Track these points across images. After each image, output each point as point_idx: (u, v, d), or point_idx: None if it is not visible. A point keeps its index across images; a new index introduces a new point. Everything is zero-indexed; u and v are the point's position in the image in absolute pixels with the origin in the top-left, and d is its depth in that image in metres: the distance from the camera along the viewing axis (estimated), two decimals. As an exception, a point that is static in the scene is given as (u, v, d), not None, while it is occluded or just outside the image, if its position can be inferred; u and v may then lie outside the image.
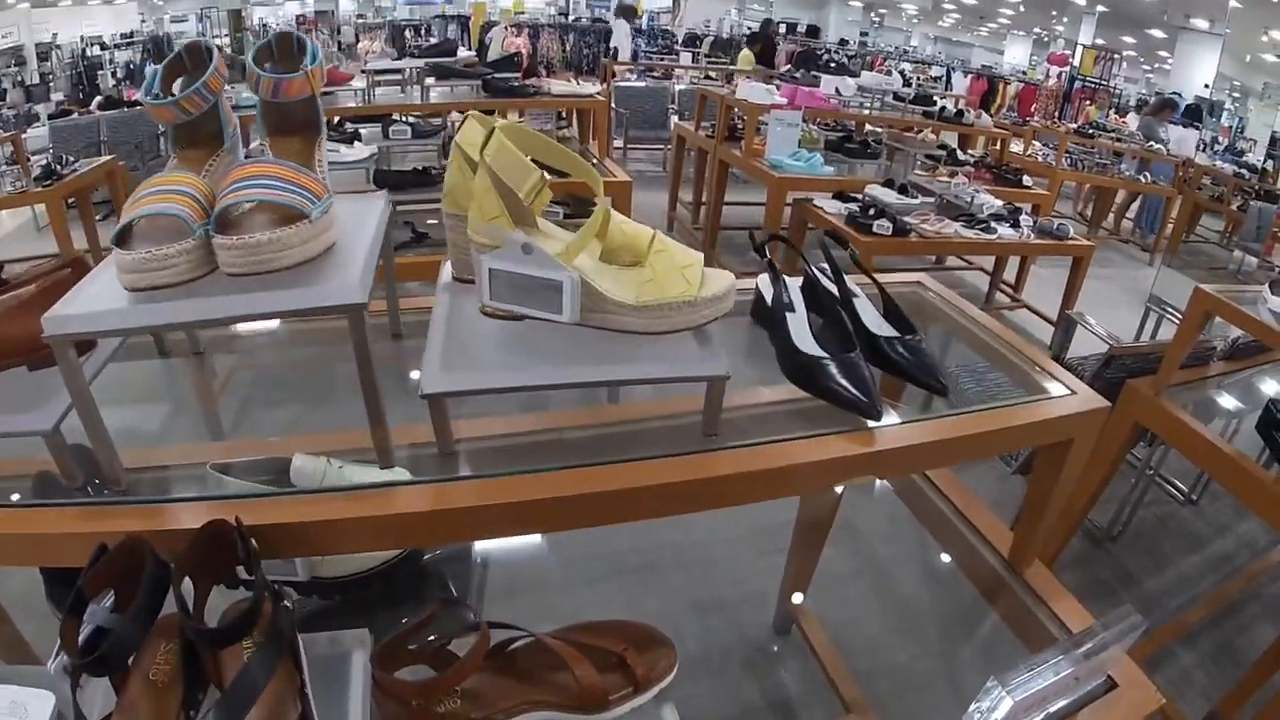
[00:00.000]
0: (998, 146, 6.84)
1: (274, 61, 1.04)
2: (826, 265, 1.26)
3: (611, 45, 12.58)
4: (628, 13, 13.51)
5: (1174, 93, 15.62)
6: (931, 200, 4.63)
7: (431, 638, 0.97)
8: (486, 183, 0.85)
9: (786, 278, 1.24)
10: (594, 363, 0.93)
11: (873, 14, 20.56)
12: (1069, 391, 1.24)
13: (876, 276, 1.32)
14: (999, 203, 4.71)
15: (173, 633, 0.88)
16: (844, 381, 1.04)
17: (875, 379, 1.08)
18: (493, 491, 0.89)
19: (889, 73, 7.40)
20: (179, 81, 1.03)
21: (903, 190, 4.57)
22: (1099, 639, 1.06)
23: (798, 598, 2.15)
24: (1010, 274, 5.54)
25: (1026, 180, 5.80)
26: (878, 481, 1.86)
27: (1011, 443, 1.28)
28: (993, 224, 4.44)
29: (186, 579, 0.86)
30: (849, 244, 1.31)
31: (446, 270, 1.11)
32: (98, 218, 5.83)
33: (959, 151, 6.18)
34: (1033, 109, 15.43)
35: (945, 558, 1.62)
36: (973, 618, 1.61)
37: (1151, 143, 8.43)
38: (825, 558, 2.06)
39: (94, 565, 0.83)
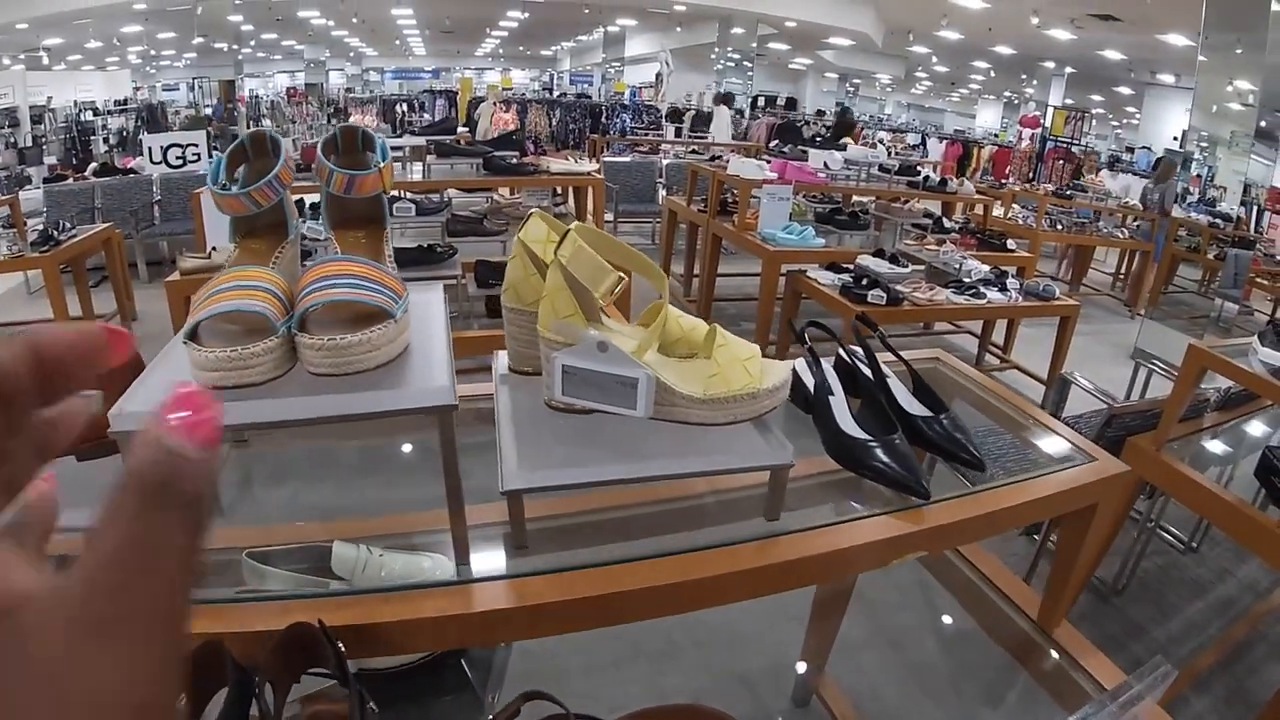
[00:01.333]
0: (979, 210, 6.97)
1: (339, 155, 1.05)
2: (859, 348, 1.30)
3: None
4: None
5: (1144, 146, 15.98)
6: (921, 268, 4.73)
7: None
8: (560, 282, 0.89)
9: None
10: (665, 455, 0.95)
11: (848, 84, 20.96)
12: (1091, 458, 1.29)
13: (901, 354, 1.38)
14: (986, 268, 4.81)
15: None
16: (890, 462, 1.08)
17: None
18: (574, 586, 0.90)
19: (874, 145, 7.56)
20: (240, 170, 1.03)
21: (893, 260, 4.66)
22: (1133, 691, 1.08)
23: (818, 669, 2.15)
24: (998, 335, 5.63)
25: (1010, 244, 5.92)
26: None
27: (1045, 511, 1.33)
28: (981, 289, 4.53)
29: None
30: (877, 327, 1.36)
31: (502, 361, 1.13)
32: (90, 284, 5.84)
33: (944, 219, 6.30)
34: (1007, 171, 15.75)
35: (965, 622, 1.64)
36: (1001, 681, 1.63)
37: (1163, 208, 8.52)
38: (842, 627, 2.07)
39: None
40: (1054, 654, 1.40)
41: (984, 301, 4.49)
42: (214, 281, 0.92)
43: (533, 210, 1.01)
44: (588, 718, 1.03)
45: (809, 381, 1.22)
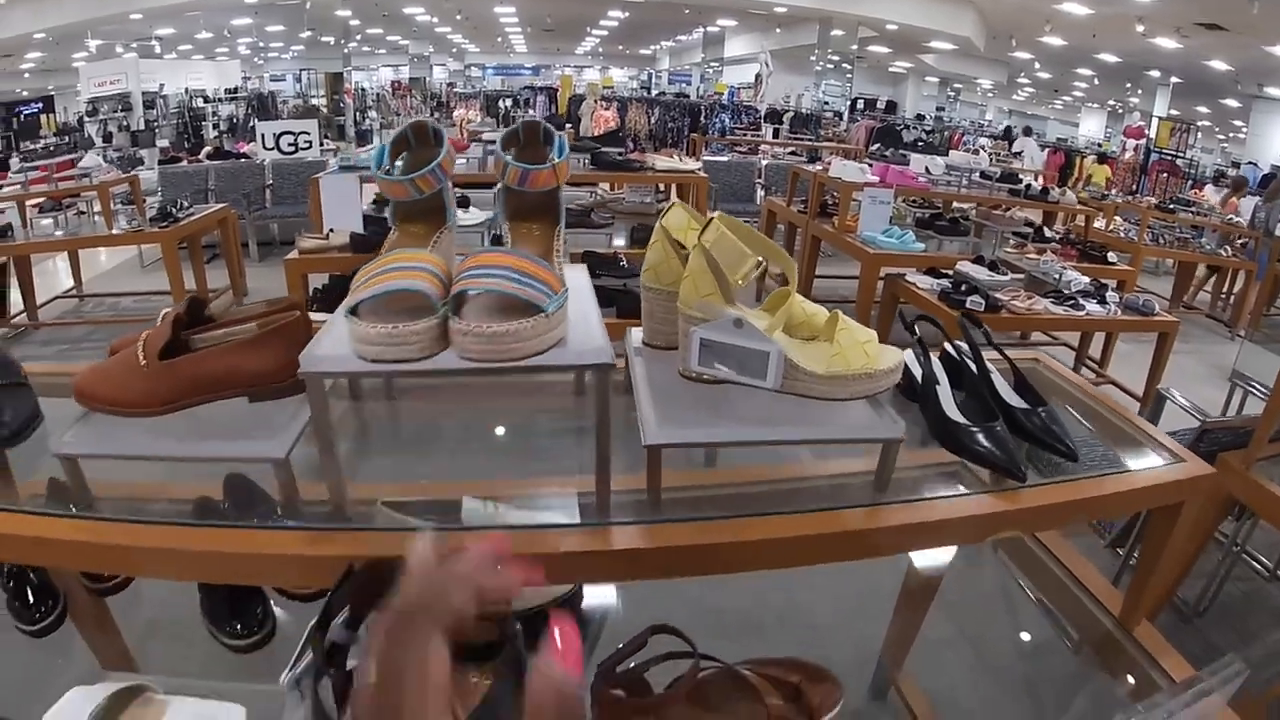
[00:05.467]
0: (1080, 222, 6.89)
1: (519, 149, 1.12)
2: (965, 343, 1.38)
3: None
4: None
5: (1249, 162, 15.50)
6: (1020, 277, 4.72)
7: (633, 664, 1.09)
8: (702, 264, 0.99)
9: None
10: (788, 424, 1.06)
11: (949, 89, 20.72)
12: (1179, 459, 1.34)
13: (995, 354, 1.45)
14: (1085, 279, 4.77)
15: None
16: (991, 446, 1.17)
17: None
18: (705, 533, 1.00)
19: (976, 152, 7.52)
20: (403, 158, 1.12)
21: (993, 267, 4.67)
22: (1203, 685, 1.15)
23: (897, 663, 2.20)
24: (1094, 349, 5.56)
25: (1111, 257, 5.84)
26: (976, 551, 1.95)
27: (1132, 504, 1.38)
28: (1080, 300, 4.51)
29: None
30: (983, 323, 1.43)
31: (635, 336, 1.24)
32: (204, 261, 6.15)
33: (1045, 229, 6.24)
34: (1109, 182, 15.35)
35: (1047, 632, 1.70)
36: (1079, 684, 1.68)
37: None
38: (925, 628, 2.11)
39: (342, 584, 0.93)
40: (1132, 651, 1.45)
41: (1083, 313, 4.47)
42: (379, 261, 1.01)
43: (673, 201, 1.11)
44: (711, 658, 1.12)
45: (917, 372, 1.30)
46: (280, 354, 1.09)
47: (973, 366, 1.33)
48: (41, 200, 7.00)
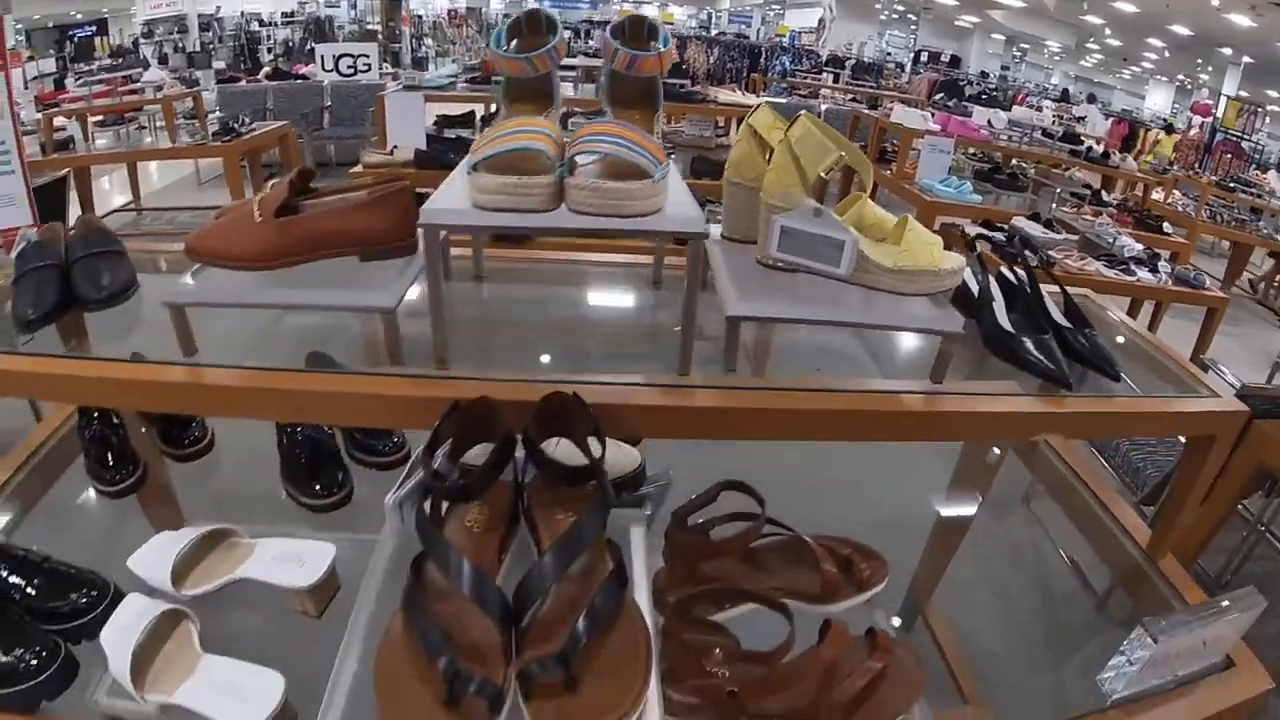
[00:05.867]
0: (1139, 191, 6.81)
1: (625, 39, 1.20)
2: (1021, 269, 1.45)
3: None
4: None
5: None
6: (1075, 238, 4.72)
7: (702, 520, 1.19)
8: (787, 158, 1.08)
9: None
10: (857, 310, 1.15)
11: (1015, 48, 20.30)
12: (1215, 394, 1.42)
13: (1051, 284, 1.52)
14: (1139, 246, 4.75)
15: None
16: (1041, 356, 1.25)
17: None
18: (777, 399, 1.10)
19: (1039, 109, 7.46)
20: (514, 43, 1.22)
21: (1048, 225, 4.67)
22: (1218, 609, 1.24)
23: (926, 596, 2.27)
24: (1141, 320, 5.53)
25: (1166, 228, 5.80)
26: (1005, 505, 2.02)
27: (1166, 426, 1.46)
28: (1132, 266, 4.50)
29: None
30: (1039, 250, 1.50)
31: (715, 230, 1.33)
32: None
33: (1103, 192, 6.19)
34: (1172, 158, 15.00)
35: (1072, 583, 1.81)
36: (1102, 610, 1.76)
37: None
38: (957, 572, 2.18)
39: (449, 417, 1.02)
40: (1155, 580, 1.54)
41: (1134, 279, 4.46)
42: (499, 126, 1.10)
43: (761, 101, 1.19)
44: (773, 521, 1.21)
45: (974, 286, 1.38)
46: (392, 216, 1.18)
47: (1027, 288, 1.41)
48: (102, 116, 7.08)
